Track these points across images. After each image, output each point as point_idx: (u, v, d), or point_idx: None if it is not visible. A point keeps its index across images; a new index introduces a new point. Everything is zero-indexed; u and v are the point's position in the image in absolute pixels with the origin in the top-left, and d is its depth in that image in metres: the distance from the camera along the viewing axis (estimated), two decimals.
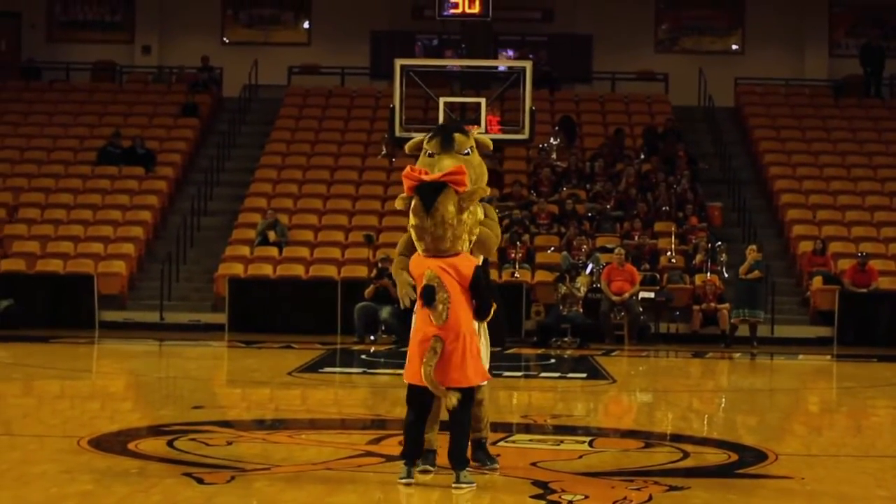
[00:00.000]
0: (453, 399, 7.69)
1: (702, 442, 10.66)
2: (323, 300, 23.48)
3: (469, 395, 7.90)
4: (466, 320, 7.82)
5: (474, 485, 7.82)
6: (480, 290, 7.89)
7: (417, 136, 8.50)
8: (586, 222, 25.86)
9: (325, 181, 28.07)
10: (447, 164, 8.01)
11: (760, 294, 22.48)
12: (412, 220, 7.86)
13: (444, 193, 7.78)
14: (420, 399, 7.92)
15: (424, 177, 7.89)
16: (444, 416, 8.03)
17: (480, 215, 8.12)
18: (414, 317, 8.04)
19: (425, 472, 8.02)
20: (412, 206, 7.85)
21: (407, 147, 8.52)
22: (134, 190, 27.52)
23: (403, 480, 7.87)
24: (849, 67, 32.44)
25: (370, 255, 24.44)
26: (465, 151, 8.18)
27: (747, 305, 22.31)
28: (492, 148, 8.61)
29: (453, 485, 7.80)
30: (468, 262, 7.87)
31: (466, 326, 7.81)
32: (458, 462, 7.87)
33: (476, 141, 8.34)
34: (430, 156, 8.18)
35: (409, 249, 8.16)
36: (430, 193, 7.79)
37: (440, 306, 7.72)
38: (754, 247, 22.71)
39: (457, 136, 8.21)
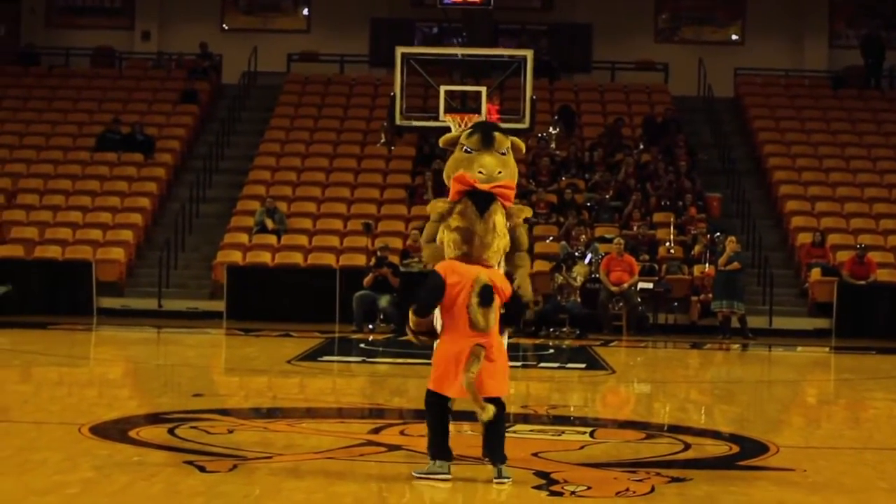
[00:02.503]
0: (490, 413, 7.66)
1: (702, 433, 10.66)
2: (321, 288, 23.42)
3: (503, 404, 7.90)
4: (498, 332, 7.89)
5: (511, 479, 7.81)
6: (518, 307, 7.95)
7: (454, 132, 8.46)
8: (585, 212, 25.83)
9: (324, 169, 28.02)
10: (487, 161, 7.94)
11: (739, 285, 22.47)
12: (459, 223, 7.80)
13: (495, 204, 7.84)
14: (445, 409, 7.89)
15: (478, 185, 7.87)
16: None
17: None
18: (440, 326, 7.93)
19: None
20: (459, 209, 7.83)
21: (441, 141, 8.37)
22: (133, 177, 27.47)
23: (443, 476, 7.77)
24: (849, 58, 32.37)
25: (369, 243, 24.41)
26: (503, 151, 8.09)
27: (726, 297, 22.32)
28: (524, 151, 8.52)
29: (495, 480, 7.79)
30: (504, 279, 7.94)
31: (499, 338, 7.88)
32: (498, 457, 7.85)
33: (511, 143, 8.29)
34: (468, 152, 8.03)
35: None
36: (483, 200, 7.82)
37: (492, 310, 7.73)
38: (733, 238, 22.75)
39: (497, 134, 8.09)
